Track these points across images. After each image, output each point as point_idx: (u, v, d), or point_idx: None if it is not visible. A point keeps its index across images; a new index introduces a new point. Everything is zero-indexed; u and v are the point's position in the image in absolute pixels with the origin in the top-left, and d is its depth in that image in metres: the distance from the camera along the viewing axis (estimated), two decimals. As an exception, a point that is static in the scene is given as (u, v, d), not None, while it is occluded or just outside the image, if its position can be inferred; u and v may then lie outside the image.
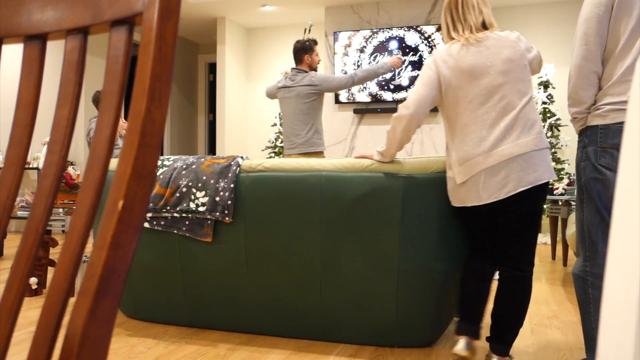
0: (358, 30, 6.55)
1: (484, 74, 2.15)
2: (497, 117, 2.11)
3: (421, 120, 2.22)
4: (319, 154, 3.97)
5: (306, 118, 3.93)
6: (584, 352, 2.40)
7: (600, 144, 1.98)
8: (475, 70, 2.16)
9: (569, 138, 5.84)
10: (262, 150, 7.62)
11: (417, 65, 6.38)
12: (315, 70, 4.05)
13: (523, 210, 2.13)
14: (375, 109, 6.50)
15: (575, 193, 2.10)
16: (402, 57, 4.01)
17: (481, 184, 2.10)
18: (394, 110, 6.48)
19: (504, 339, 2.20)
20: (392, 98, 6.42)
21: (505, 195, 2.06)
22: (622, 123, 1.93)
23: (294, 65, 4.06)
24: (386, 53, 6.47)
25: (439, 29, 6.29)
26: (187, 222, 2.57)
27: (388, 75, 6.45)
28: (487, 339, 2.26)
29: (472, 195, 2.13)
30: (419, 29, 6.37)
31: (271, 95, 4.24)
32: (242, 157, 2.61)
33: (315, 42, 4.05)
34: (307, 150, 3.94)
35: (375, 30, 6.51)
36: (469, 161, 2.12)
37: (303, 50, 4.00)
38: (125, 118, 5.18)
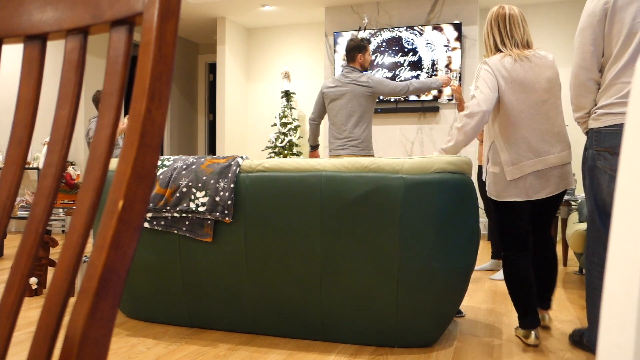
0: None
1: (533, 90, 2.45)
2: (544, 129, 2.44)
3: (488, 119, 2.48)
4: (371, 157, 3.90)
5: (361, 119, 3.85)
6: (584, 349, 2.41)
7: (595, 147, 2.16)
8: (525, 85, 2.45)
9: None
10: (262, 150, 7.62)
11: (417, 65, 6.38)
12: (367, 69, 3.98)
13: (554, 205, 2.58)
14: (375, 109, 6.50)
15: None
16: (451, 77, 3.99)
17: (528, 183, 2.45)
18: (394, 110, 6.49)
19: (549, 296, 2.67)
20: (392, 98, 6.42)
21: (545, 195, 2.46)
22: (612, 126, 2.10)
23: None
24: (386, 54, 6.47)
25: (435, 28, 6.29)
26: (187, 222, 2.57)
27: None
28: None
29: (520, 191, 2.46)
30: (419, 29, 6.37)
31: (319, 112, 4.09)
32: (242, 157, 2.61)
33: (369, 42, 3.99)
34: (361, 153, 3.85)
35: (375, 30, 6.51)
36: (520, 163, 2.45)
37: (356, 49, 3.92)
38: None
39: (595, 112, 2.17)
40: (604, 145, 2.12)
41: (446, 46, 6.28)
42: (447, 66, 6.26)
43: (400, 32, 6.42)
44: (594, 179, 2.17)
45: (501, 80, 2.43)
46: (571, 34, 6.36)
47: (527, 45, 2.51)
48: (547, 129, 2.44)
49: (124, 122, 4.73)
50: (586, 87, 2.19)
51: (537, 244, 2.65)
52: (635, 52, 2.06)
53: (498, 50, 2.51)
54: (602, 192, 2.13)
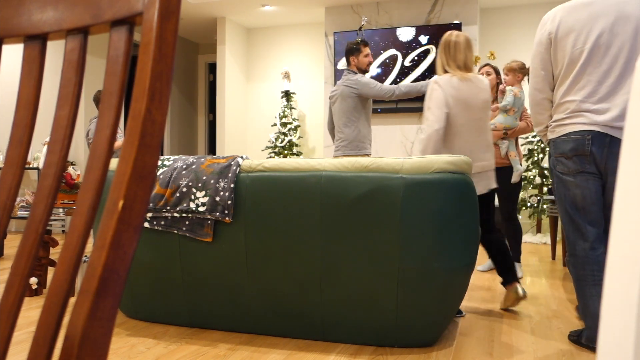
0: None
1: (473, 107, 2.89)
2: (480, 140, 2.93)
3: (442, 133, 2.85)
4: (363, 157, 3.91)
5: (349, 120, 3.85)
6: (583, 350, 2.41)
7: (554, 154, 2.48)
8: (467, 103, 2.87)
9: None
10: (262, 150, 7.62)
11: (416, 65, 6.38)
12: (366, 71, 3.96)
13: (484, 200, 3.03)
14: (375, 109, 6.50)
15: None
16: None
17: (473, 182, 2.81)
18: (394, 110, 6.49)
19: (513, 270, 2.99)
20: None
21: (485, 191, 2.97)
22: (564, 135, 2.42)
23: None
24: (386, 54, 6.47)
25: (435, 28, 6.29)
26: (187, 222, 2.57)
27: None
28: (503, 284, 3.02)
29: None
30: (418, 29, 6.37)
31: (330, 118, 4.12)
32: (242, 157, 2.61)
33: (364, 44, 3.95)
34: (350, 153, 3.86)
35: (375, 30, 6.51)
36: None
37: (349, 52, 3.93)
38: (125, 118, 5.18)
39: (551, 125, 2.50)
40: (559, 152, 2.43)
41: (446, 46, 6.27)
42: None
43: (401, 32, 6.42)
44: (558, 180, 2.48)
45: (449, 97, 2.83)
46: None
47: (466, 69, 2.93)
48: (481, 141, 2.93)
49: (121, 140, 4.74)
50: (542, 106, 2.52)
51: (485, 233, 3.08)
52: (576, 76, 2.38)
53: (445, 70, 2.94)
54: (569, 190, 2.42)
